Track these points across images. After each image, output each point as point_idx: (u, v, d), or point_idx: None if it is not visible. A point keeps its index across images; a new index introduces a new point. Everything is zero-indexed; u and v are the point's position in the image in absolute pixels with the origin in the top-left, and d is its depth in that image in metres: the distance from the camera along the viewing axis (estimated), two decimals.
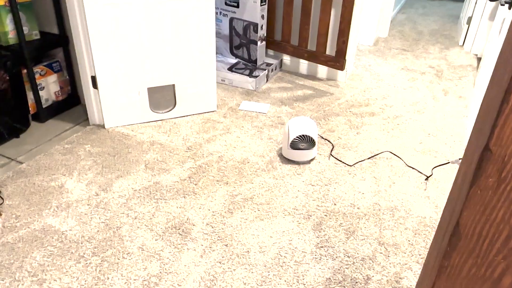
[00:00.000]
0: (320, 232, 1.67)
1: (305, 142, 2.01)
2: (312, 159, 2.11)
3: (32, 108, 2.33)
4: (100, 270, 1.47)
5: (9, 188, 1.83)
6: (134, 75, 2.21)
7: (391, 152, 2.20)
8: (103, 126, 2.31)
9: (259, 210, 1.77)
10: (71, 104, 2.52)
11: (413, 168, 2.08)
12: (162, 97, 2.36)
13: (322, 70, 3.01)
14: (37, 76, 2.30)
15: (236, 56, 3.00)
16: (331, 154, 2.16)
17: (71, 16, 2.03)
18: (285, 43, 2.94)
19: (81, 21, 2.03)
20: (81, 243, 1.58)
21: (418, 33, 4.10)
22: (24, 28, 2.18)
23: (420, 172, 2.05)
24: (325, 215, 1.76)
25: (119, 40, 2.09)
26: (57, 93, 2.44)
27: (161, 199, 1.81)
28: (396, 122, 2.49)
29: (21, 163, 2.01)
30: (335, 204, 1.82)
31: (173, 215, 1.72)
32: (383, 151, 2.21)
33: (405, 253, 1.60)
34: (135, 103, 2.29)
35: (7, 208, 1.72)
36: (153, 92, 2.31)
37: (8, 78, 2.10)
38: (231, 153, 2.13)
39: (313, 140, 2.02)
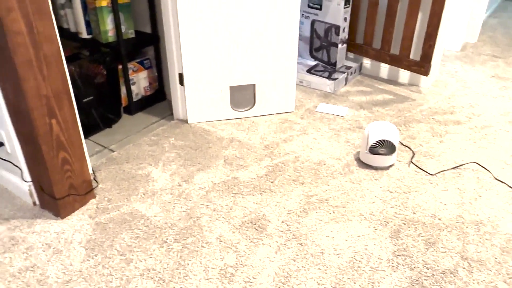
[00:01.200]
0: (397, 240, 1.63)
1: (385, 147, 1.97)
2: (390, 165, 2.06)
3: (123, 101, 2.52)
4: (181, 256, 1.56)
5: (102, 173, 2.00)
6: (218, 74, 2.30)
7: (478, 164, 2.08)
8: (186, 121, 2.43)
9: (334, 213, 1.76)
10: (157, 99, 2.69)
11: (502, 182, 1.95)
12: (243, 96, 2.43)
13: (404, 75, 2.91)
14: (130, 72, 2.48)
15: (316, 58, 3.00)
16: (411, 162, 2.09)
17: (164, 16, 2.17)
18: (367, 46, 2.89)
19: (173, 22, 2.16)
20: (164, 229, 1.68)
21: (511, 38, 3.82)
22: (122, 27, 2.36)
23: (510, 187, 1.91)
24: (404, 224, 1.71)
25: (206, 40, 2.19)
26: (146, 88, 2.61)
27: (238, 194, 1.87)
28: (484, 132, 2.34)
29: (113, 151, 2.18)
30: (414, 213, 1.76)
31: (250, 210, 1.77)
32: (469, 162, 2.09)
33: (490, 270, 1.50)
34: (217, 101, 2.38)
35: (100, 191, 1.88)
36: (234, 90, 2.39)
37: (105, 73, 2.29)
38: (307, 154, 2.14)
39: (394, 145, 1.96)
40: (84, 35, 2.42)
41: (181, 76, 2.31)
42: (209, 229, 1.68)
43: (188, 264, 1.53)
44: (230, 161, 2.09)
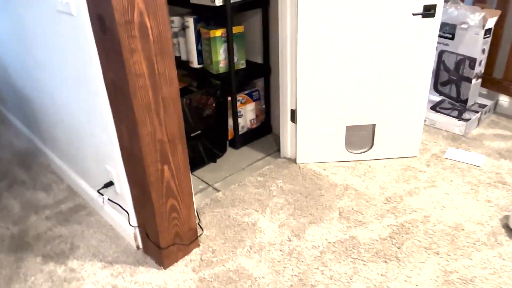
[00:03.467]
0: None
1: None
2: None
3: (229, 135, 2.39)
4: None
5: (206, 217, 1.85)
6: (334, 112, 2.06)
7: None
8: (294, 161, 2.23)
9: None
10: (263, 132, 2.52)
11: None
12: (359, 137, 2.16)
13: None
14: (238, 104, 2.35)
15: (441, 94, 2.63)
16: None
17: (281, 48, 1.99)
18: (508, 82, 2.46)
19: (290, 54, 1.97)
20: None
21: None
22: (234, 57, 2.24)
23: None
24: None
25: (325, 75, 1.97)
26: (252, 121, 2.46)
27: (358, 259, 1.60)
28: None
29: (218, 190, 2.04)
30: None
31: (374, 283, 1.49)
32: None
33: None
34: (331, 141, 2.14)
35: (205, 238, 1.73)
36: (350, 130, 2.13)
37: (215, 105, 2.17)
38: (439, 214, 1.81)
39: None
40: (195, 64, 2.35)
41: (293, 112, 2.11)
42: None
43: None
44: (346, 215, 1.82)
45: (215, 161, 2.29)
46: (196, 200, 1.98)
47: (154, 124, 1.34)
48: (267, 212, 1.87)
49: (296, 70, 1.98)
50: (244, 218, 1.83)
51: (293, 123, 2.15)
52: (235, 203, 1.93)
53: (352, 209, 1.86)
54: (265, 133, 2.54)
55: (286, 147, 2.25)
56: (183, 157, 1.48)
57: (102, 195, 1.79)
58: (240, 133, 2.42)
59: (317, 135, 2.13)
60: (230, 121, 2.37)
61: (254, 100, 2.43)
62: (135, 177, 1.48)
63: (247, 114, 2.44)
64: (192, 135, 2.10)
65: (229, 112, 2.33)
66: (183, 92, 2.10)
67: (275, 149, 2.37)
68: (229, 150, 2.40)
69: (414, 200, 1.89)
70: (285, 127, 2.19)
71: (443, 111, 2.48)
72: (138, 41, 1.21)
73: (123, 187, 1.58)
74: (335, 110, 2.07)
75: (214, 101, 2.15)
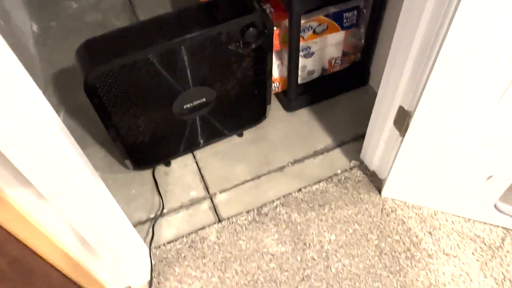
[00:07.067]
0: None
1: None
2: None
3: (280, 86, 1.29)
4: None
5: None
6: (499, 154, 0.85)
7: None
8: (378, 182, 1.14)
9: None
10: (350, 82, 1.35)
11: None
12: None
13: None
14: (306, 34, 1.16)
15: None
16: None
17: None
18: None
19: None
20: None
21: None
22: None
23: None
24: None
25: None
26: (334, 61, 1.28)
27: None
28: None
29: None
30: None
31: None
32: None
33: None
34: (465, 186, 0.99)
35: None
36: None
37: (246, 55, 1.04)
38: None
39: None
40: None
41: (403, 114, 0.93)
42: None
43: None
44: None
45: (241, 135, 1.28)
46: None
47: None
48: None
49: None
50: None
51: (397, 131, 0.99)
52: None
53: None
54: (354, 84, 1.37)
55: (372, 155, 1.14)
56: None
57: None
58: (302, 81, 1.30)
59: (439, 169, 0.98)
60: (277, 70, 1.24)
61: (345, 28, 1.20)
62: None
63: (326, 50, 1.25)
64: (186, 106, 1.07)
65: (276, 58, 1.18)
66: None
67: (360, 130, 1.25)
68: (276, 112, 1.33)
69: None
70: (380, 127, 1.05)
71: None
72: None
73: None
74: (504, 142, 0.85)
75: (246, 48, 1.01)
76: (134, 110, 1.01)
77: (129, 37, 0.95)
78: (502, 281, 0.99)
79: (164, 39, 0.91)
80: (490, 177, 0.94)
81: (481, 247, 1.03)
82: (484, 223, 1.07)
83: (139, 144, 1.11)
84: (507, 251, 1.03)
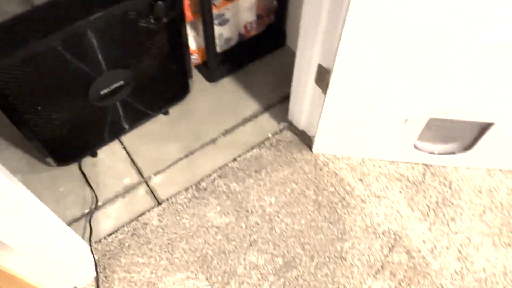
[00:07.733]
0: None
1: None
2: None
3: (199, 57, 1.26)
4: None
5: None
6: (412, 92, 0.91)
7: None
8: (308, 139, 1.18)
9: None
10: (268, 45, 1.36)
11: None
12: (444, 130, 1.06)
13: None
14: (216, 1, 1.13)
15: None
16: None
17: None
18: None
19: None
20: None
21: None
22: None
23: None
24: None
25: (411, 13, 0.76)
26: (249, 25, 1.28)
27: None
28: None
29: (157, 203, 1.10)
30: None
31: None
32: None
33: None
34: (389, 132, 1.06)
35: None
36: (433, 121, 1.01)
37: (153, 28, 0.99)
38: None
39: None
40: None
41: (322, 71, 0.96)
42: None
43: None
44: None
45: (166, 113, 1.25)
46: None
47: None
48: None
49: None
50: None
51: (319, 88, 1.02)
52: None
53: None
54: (272, 47, 1.37)
55: (299, 114, 1.17)
56: None
57: None
58: (221, 50, 1.28)
59: (363, 121, 1.03)
60: (193, 42, 1.21)
61: None
62: None
63: (240, 15, 1.23)
64: (103, 91, 1.01)
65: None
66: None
67: (284, 91, 1.27)
68: (199, 84, 1.31)
69: None
70: (303, 89, 1.07)
71: None
72: None
73: None
74: (417, 87, 0.91)
75: (151, 23, 0.97)
76: (46, 104, 0.94)
77: (27, 25, 0.86)
78: (427, 212, 1.09)
79: (67, 23, 0.84)
80: (406, 120, 1.01)
81: (406, 185, 1.12)
82: (407, 162, 1.16)
83: (58, 138, 1.04)
84: (428, 184, 1.13)
